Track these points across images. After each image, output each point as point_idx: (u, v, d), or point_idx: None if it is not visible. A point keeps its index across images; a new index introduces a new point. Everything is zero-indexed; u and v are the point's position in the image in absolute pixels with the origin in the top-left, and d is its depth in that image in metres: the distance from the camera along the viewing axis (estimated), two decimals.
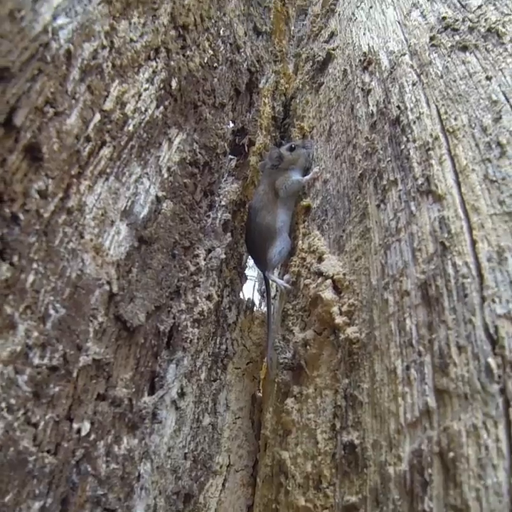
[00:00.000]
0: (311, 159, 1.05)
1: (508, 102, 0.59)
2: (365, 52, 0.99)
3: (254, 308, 1.09)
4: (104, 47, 0.64)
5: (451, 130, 0.64)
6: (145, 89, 0.73)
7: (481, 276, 0.49)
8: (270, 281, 1.01)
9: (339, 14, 1.29)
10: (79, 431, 0.57)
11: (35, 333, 0.52)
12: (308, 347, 0.76)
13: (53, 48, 0.55)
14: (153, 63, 0.76)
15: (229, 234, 0.90)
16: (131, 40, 0.70)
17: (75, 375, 0.56)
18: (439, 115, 0.68)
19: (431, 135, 0.67)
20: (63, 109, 0.56)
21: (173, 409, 0.74)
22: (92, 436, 0.59)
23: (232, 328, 0.99)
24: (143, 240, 0.69)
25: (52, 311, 0.54)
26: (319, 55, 1.23)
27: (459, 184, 0.58)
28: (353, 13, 1.19)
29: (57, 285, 0.55)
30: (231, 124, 1.02)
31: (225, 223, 0.92)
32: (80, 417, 0.57)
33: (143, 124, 0.72)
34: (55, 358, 0.54)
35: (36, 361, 0.52)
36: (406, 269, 0.60)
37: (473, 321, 0.48)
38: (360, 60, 1.00)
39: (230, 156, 1.02)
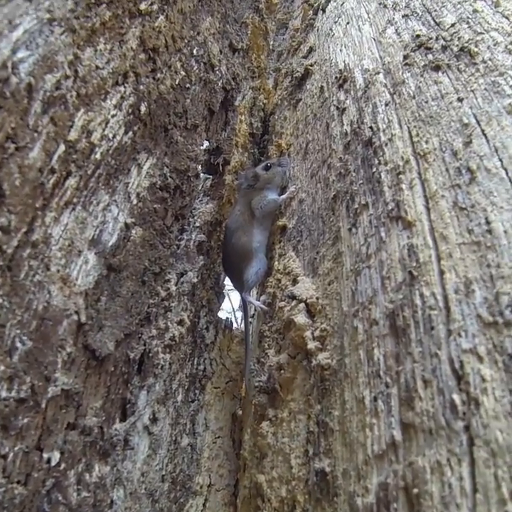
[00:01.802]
0: (288, 177, 1.06)
1: (479, 125, 0.59)
2: (340, 70, 0.99)
3: (233, 326, 1.09)
4: (67, 77, 0.64)
5: (422, 153, 0.64)
6: (112, 116, 0.73)
7: (447, 308, 0.49)
8: (247, 302, 1.01)
9: (318, 29, 1.30)
10: (49, 461, 0.57)
11: (2, 367, 0.52)
12: (282, 371, 0.76)
13: (13, 83, 0.55)
14: (121, 88, 0.76)
15: (202, 257, 0.90)
16: (97, 67, 0.70)
17: (43, 405, 0.57)
18: (411, 137, 0.67)
19: (402, 158, 0.66)
20: (25, 144, 0.56)
21: (146, 435, 0.74)
22: (63, 466, 0.59)
23: (210, 348, 0.99)
24: (112, 268, 0.69)
25: (18, 344, 0.55)
26: (297, 71, 1.23)
27: (428, 210, 0.58)
28: (330, 29, 1.19)
29: (23, 318, 0.55)
30: (206, 143, 1.02)
31: (200, 245, 0.92)
32: (49, 447, 0.58)
33: (111, 151, 0.72)
34: (22, 390, 0.54)
35: (3, 394, 0.52)
36: (375, 297, 0.60)
37: (439, 354, 0.47)
38: (336, 77, 1.00)
39: (205, 176, 1.01)
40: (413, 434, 0.47)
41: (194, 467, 0.86)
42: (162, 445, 0.78)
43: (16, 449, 0.53)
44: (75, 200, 0.65)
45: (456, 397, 0.44)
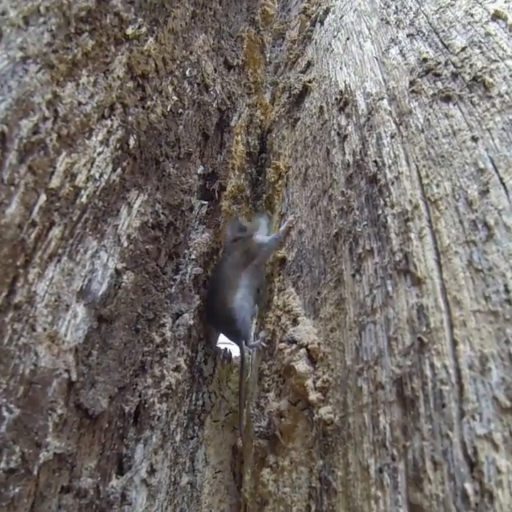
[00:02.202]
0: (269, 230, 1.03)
1: (497, 172, 0.53)
2: (341, 91, 0.95)
3: (232, 356, 1.05)
4: (46, 119, 0.59)
5: (432, 199, 0.59)
6: (99, 154, 0.69)
7: (461, 385, 0.45)
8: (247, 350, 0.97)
9: (316, 42, 1.25)
10: None
11: None
12: (282, 418, 0.73)
13: None
14: (108, 122, 0.72)
15: (198, 296, 0.86)
16: (80, 103, 0.66)
17: (35, 472, 0.53)
18: (420, 178, 0.63)
19: (410, 202, 0.61)
20: (0, 201, 0.52)
21: (144, 488, 0.71)
22: None
23: (208, 381, 0.95)
24: (103, 319, 0.65)
25: (5, 413, 0.51)
26: (295, 88, 1.19)
27: (440, 267, 0.53)
28: (329, 43, 1.14)
29: (9, 385, 0.52)
30: (201, 168, 0.97)
31: (196, 278, 0.87)
32: None
33: (98, 192, 0.68)
34: (12, 460, 0.51)
35: None
36: (381, 357, 0.56)
37: (451, 436, 0.44)
38: (336, 99, 0.95)
39: (201, 202, 0.97)
40: None
41: (194, 505, 0.83)
42: (161, 490, 0.75)
43: None
44: (59, 251, 0.61)
45: (468, 486, 0.41)
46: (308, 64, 1.22)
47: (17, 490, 0.51)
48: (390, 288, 0.59)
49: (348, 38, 1.06)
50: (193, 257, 0.87)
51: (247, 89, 1.23)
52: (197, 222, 0.93)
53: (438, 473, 0.43)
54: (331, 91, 1.00)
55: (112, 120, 0.72)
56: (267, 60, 1.48)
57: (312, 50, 1.26)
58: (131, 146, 0.75)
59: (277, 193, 1.08)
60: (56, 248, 0.60)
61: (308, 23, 1.32)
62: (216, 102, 1.03)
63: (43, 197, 0.58)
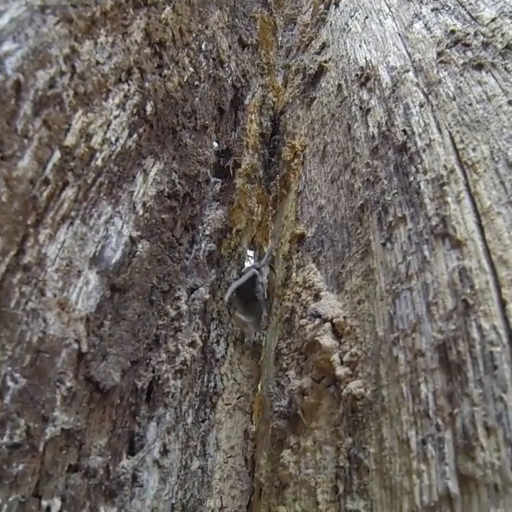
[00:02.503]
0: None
1: None
2: (362, 67, 0.92)
3: (245, 339, 1.02)
4: (63, 73, 0.56)
5: (469, 163, 0.56)
6: (115, 117, 0.66)
7: None
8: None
9: (331, 24, 1.23)
10: (49, 509, 0.50)
11: None
12: (305, 396, 0.69)
13: None
14: (125, 86, 0.69)
15: (213, 270, 0.83)
16: (98, 62, 0.63)
17: (41, 449, 0.49)
18: (454, 144, 0.60)
19: (445, 167, 0.59)
20: (13, 152, 0.48)
21: (156, 469, 0.67)
22: None
23: (220, 363, 0.92)
24: (116, 288, 0.61)
25: (10, 383, 0.47)
26: (310, 68, 1.16)
27: (482, 229, 0.50)
28: (346, 24, 1.12)
29: (15, 353, 0.48)
30: (215, 144, 0.94)
31: (210, 254, 0.84)
32: (49, 494, 0.50)
33: (113, 157, 0.64)
34: (16, 434, 0.47)
35: None
36: (419, 324, 0.52)
37: (505, 399, 0.40)
38: (356, 75, 0.93)
39: (215, 179, 0.94)
40: (473, 488, 0.40)
41: (205, 490, 0.79)
42: (172, 473, 0.71)
43: (10, 499, 0.46)
44: (73, 213, 0.57)
45: None
46: (323, 45, 1.20)
47: (21, 467, 0.47)
48: (426, 253, 0.55)
49: (366, 17, 1.04)
50: (207, 233, 0.84)
51: (261, 69, 1.21)
52: (211, 198, 0.90)
53: (492, 439, 0.40)
54: (350, 68, 0.98)
55: (129, 84, 0.69)
56: (279, 43, 1.46)
57: (327, 32, 1.24)
58: (148, 113, 0.72)
59: (293, 172, 1.05)
60: (69, 210, 0.57)
61: (322, 7, 1.30)
62: (231, 78, 1.00)
63: (57, 154, 0.55)
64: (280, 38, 1.49)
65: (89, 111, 0.61)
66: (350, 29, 1.09)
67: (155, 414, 0.66)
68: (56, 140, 0.55)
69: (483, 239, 0.49)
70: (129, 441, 0.62)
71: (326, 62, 1.12)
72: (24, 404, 0.48)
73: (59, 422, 0.52)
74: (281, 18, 1.52)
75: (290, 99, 1.26)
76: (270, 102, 1.22)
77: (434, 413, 0.46)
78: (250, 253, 1.21)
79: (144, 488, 0.63)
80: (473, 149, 0.57)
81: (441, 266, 0.53)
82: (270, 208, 1.16)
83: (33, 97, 0.52)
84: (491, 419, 0.41)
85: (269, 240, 1.18)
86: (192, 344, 0.71)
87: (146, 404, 0.65)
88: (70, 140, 0.57)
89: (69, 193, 0.57)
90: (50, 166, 0.54)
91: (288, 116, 1.23)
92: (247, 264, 1.11)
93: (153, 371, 0.65)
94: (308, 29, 1.36)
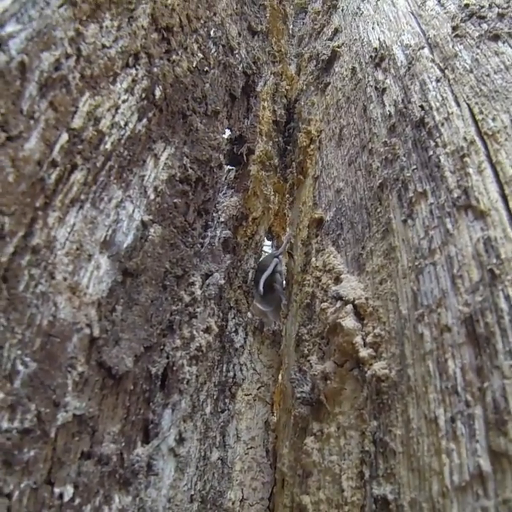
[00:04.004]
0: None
1: None
2: (375, 48, 0.90)
3: (264, 328, 1.00)
4: (68, 56, 0.56)
5: (489, 133, 0.55)
6: (123, 101, 0.65)
7: None
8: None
9: (342, 9, 1.21)
10: (61, 496, 0.49)
11: (1, 395, 0.44)
12: (328, 381, 0.67)
13: (2, 62, 0.47)
14: (133, 71, 0.68)
15: (228, 255, 0.81)
16: (104, 46, 0.62)
17: (52, 435, 0.49)
18: (473, 115, 0.59)
19: (465, 139, 0.57)
20: (18, 133, 0.48)
21: (172, 458, 0.65)
22: (77, 501, 0.51)
23: (239, 353, 0.90)
24: (128, 272, 0.60)
25: (20, 367, 0.47)
26: (323, 54, 1.15)
27: (505, 198, 0.48)
28: (358, 7, 1.11)
29: (25, 336, 0.47)
30: (228, 132, 0.93)
31: (225, 241, 0.83)
32: (61, 481, 0.50)
33: (123, 141, 0.64)
34: (27, 419, 0.46)
35: (4, 425, 0.44)
36: (445, 298, 0.50)
37: None
38: (370, 57, 0.91)
39: (229, 167, 0.93)
40: (507, 464, 0.38)
41: (225, 482, 0.78)
42: (190, 463, 0.70)
43: (22, 485, 0.45)
44: (82, 196, 0.57)
45: None
46: (336, 31, 1.18)
47: (32, 453, 0.46)
48: (449, 226, 0.53)
49: (378, 0, 1.02)
50: (221, 219, 0.82)
51: (272, 57, 1.19)
52: (226, 186, 0.88)
53: None
54: (364, 51, 0.96)
55: (137, 69, 0.69)
56: (290, 32, 1.44)
57: (338, 18, 1.22)
58: (157, 97, 0.71)
59: (310, 157, 1.03)
60: (78, 193, 0.56)
61: None
62: (242, 65, 0.99)
63: (65, 136, 0.54)
64: (291, 27, 1.47)
65: (97, 94, 0.60)
66: (363, 12, 1.07)
67: (170, 401, 0.64)
68: (63, 122, 0.54)
69: (507, 208, 0.48)
70: (143, 428, 0.61)
71: (338, 47, 1.11)
72: (35, 388, 0.47)
73: (71, 408, 0.51)
74: (292, 6, 1.50)
75: (304, 87, 1.24)
76: (283, 89, 1.20)
77: (462, 389, 0.44)
78: (267, 244, 1.20)
79: (160, 476, 0.61)
80: (493, 119, 0.56)
81: (465, 238, 0.51)
82: (287, 196, 1.14)
83: (38, 78, 0.52)
84: None
85: (287, 229, 1.16)
86: (207, 330, 0.69)
87: (161, 390, 0.63)
88: (77, 122, 0.56)
89: (78, 176, 0.56)
90: (57, 147, 0.53)
91: (302, 103, 1.21)
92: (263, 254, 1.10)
93: (168, 357, 0.64)
94: (320, 16, 1.35)
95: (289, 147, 1.18)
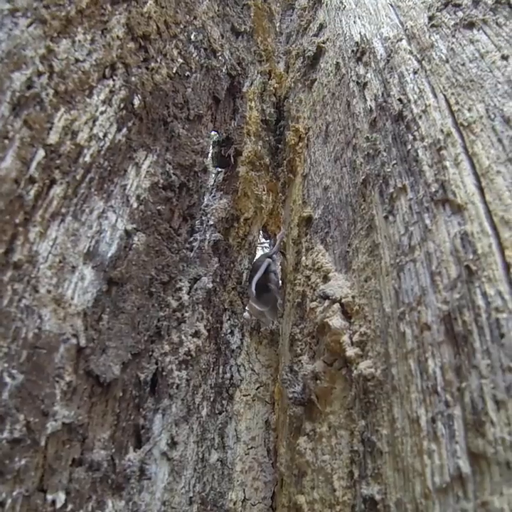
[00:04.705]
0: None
1: None
2: (357, 42, 0.90)
3: (262, 328, 1.00)
4: (40, 73, 0.57)
5: (465, 124, 0.54)
6: (101, 113, 0.66)
7: None
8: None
9: (326, 4, 1.21)
10: (54, 503, 0.51)
11: None
12: (318, 380, 0.67)
13: None
14: (110, 82, 0.69)
15: (216, 258, 0.81)
16: (77, 60, 0.63)
17: (43, 443, 0.50)
18: (450, 106, 0.58)
19: (441, 131, 0.57)
20: None
21: (165, 462, 0.66)
22: (70, 507, 0.52)
23: (236, 354, 0.91)
24: (113, 281, 0.61)
25: (7, 379, 0.48)
26: (309, 50, 1.14)
27: (481, 190, 0.48)
28: (341, 2, 1.11)
29: (10, 349, 0.49)
30: (214, 134, 0.93)
31: (215, 244, 0.83)
32: (53, 488, 0.51)
33: (102, 152, 0.65)
34: (16, 429, 0.48)
35: None
36: (424, 296, 0.50)
37: None
38: (352, 51, 0.91)
39: (217, 169, 0.93)
40: (485, 466, 0.37)
41: (226, 483, 0.78)
42: (187, 466, 0.71)
43: (14, 494, 0.47)
44: (63, 210, 0.58)
45: None
46: (321, 27, 1.18)
47: (23, 462, 0.48)
48: (427, 221, 0.53)
49: None
50: (211, 222, 0.83)
51: (258, 56, 1.18)
52: (215, 189, 0.89)
53: (502, 413, 0.37)
54: (347, 45, 0.96)
55: (114, 80, 0.70)
56: (278, 30, 1.43)
57: (323, 13, 1.22)
58: (136, 106, 0.71)
59: (299, 155, 1.03)
60: (59, 207, 0.57)
61: None
62: (225, 67, 0.99)
63: (41, 152, 0.56)
64: (279, 25, 1.46)
65: (73, 108, 0.61)
66: (345, 6, 1.07)
67: (160, 406, 0.65)
68: (39, 139, 0.56)
69: (484, 201, 0.47)
70: (134, 434, 0.62)
71: (323, 43, 1.11)
72: (23, 399, 0.49)
73: (60, 417, 0.52)
74: (279, 4, 1.49)
75: (292, 84, 1.24)
76: (271, 88, 1.19)
77: (442, 389, 0.44)
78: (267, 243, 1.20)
79: (153, 480, 0.62)
80: (469, 109, 0.55)
81: (443, 233, 0.50)
82: (280, 194, 1.14)
83: (10, 98, 0.53)
84: (500, 392, 0.37)
85: (282, 228, 1.16)
86: (196, 334, 0.70)
87: (151, 396, 0.64)
88: (53, 138, 0.57)
89: (57, 190, 0.58)
90: (34, 164, 0.55)
91: (291, 100, 1.21)
92: (259, 253, 1.10)
93: (157, 363, 0.65)
94: (306, 12, 1.35)
95: (280, 146, 1.18)
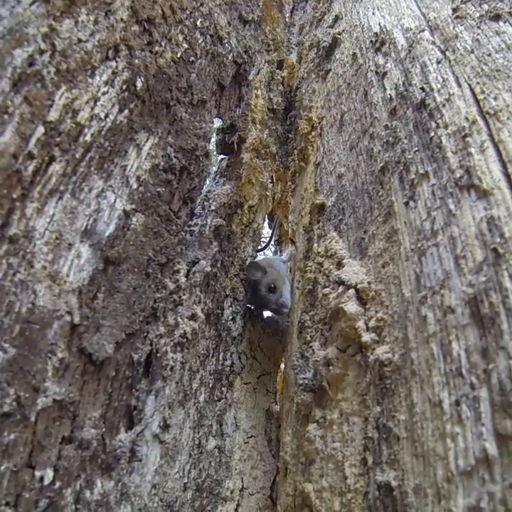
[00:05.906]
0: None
1: None
2: (376, 33, 0.89)
3: (265, 315, 0.99)
4: (42, 51, 0.57)
5: (491, 112, 0.54)
6: (103, 93, 0.66)
7: None
8: None
9: None
10: (42, 479, 0.51)
11: None
12: (330, 367, 0.66)
13: None
14: (113, 63, 0.69)
15: (216, 243, 0.81)
16: (80, 40, 0.63)
17: (33, 419, 0.51)
18: (474, 95, 0.58)
19: (466, 119, 0.56)
20: None
21: (156, 444, 0.66)
22: (58, 484, 0.53)
23: (238, 341, 0.90)
24: (109, 260, 0.61)
25: None
26: (324, 41, 1.14)
27: (508, 176, 0.48)
28: None
29: (3, 323, 0.49)
30: (218, 121, 0.93)
31: (217, 229, 0.83)
32: (42, 464, 0.51)
33: (103, 132, 0.65)
34: (6, 403, 0.48)
35: None
36: (448, 280, 0.49)
37: None
38: (371, 42, 0.90)
39: (221, 156, 0.93)
40: None
41: (223, 471, 0.78)
42: (182, 451, 0.70)
43: (2, 468, 0.47)
44: (61, 187, 0.58)
45: None
46: (336, 18, 1.17)
47: (12, 436, 0.48)
48: (452, 206, 0.52)
49: None
50: (212, 208, 0.83)
51: (266, 46, 1.18)
52: (218, 175, 0.88)
53: None
54: (365, 36, 0.95)
55: (117, 61, 0.70)
56: (287, 20, 1.43)
57: (339, 5, 1.21)
58: (138, 88, 0.71)
59: (311, 144, 1.03)
60: (57, 184, 0.58)
61: None
62: (232, 54, 0.99)
63: (41, 129, 0.56)
64: (291, 16, 1.45)
65: (74, 87, 0.61)
66: None
67: (153, 387, 0.65)
68: (39, 116, 0.56)
69: (510, 186, 0.47)
70: (126, 414, 0.62)
71: (339, 34, 1.10)
72: (14, 373, 0.49)
73: (50, 393, 0.52)
74: None
75: (305, 75, 1.23)
76: (279, 77, 1.18)
77: (467, 371, 0.43)
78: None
79: (144, 462, 0.62)
80: (495, 98, 0.55)
81: (468, 218, 0.50)
82: (289, 183, 1.13)
83: (11, 74, 0.53)
84: None
85: (289, 216, 1.15)
86: (193, 317, 0.70)
87: (145, 377, 0.64)
88: (53, 115, 0.58)
89: (56, 167, 0.58)
90: (33, 140, 0.55)
91: (303, 91, 1.20)
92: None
93: (151, 344, 0.65)
94: (320, 4, 1.34)
95: (290, 135, 1.17)
